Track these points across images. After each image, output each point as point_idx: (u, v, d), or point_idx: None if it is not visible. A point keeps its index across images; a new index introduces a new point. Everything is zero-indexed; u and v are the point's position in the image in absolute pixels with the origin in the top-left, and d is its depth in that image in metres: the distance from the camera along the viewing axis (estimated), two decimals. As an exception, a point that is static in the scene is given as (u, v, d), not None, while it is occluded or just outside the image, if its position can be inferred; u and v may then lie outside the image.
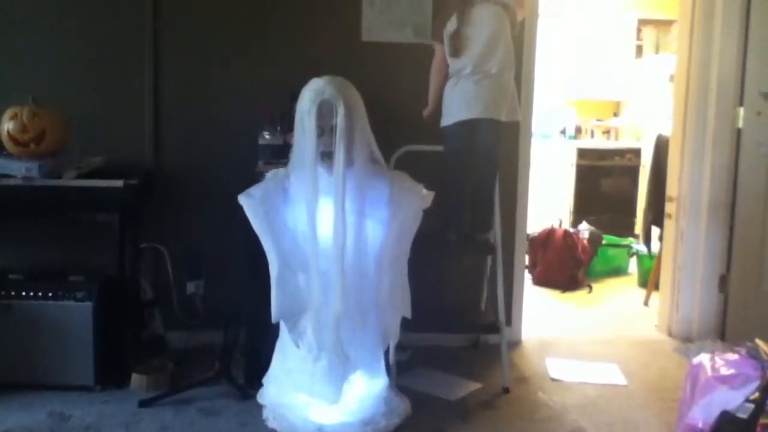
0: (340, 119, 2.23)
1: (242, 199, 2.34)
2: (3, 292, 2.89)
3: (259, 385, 2.70)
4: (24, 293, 2.89)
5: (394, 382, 2.72)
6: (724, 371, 2.32)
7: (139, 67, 3.33)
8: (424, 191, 2.39)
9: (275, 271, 2.32)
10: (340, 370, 2.32)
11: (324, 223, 2.29)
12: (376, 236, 2.36)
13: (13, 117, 2.88)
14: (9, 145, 2.90)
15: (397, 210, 2.33)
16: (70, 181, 2.90)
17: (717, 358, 2.39)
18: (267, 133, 3.10)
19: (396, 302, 2.41)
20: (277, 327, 2.55)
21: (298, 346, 2.36)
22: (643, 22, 6.63)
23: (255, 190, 2.36)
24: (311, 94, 2.30)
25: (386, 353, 2.69)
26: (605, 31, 6.54)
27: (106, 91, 3.34)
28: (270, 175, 2.42)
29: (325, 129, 2.24)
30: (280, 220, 2.35)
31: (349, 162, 2.25)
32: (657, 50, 6.62)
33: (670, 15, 6.00)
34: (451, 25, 3.04)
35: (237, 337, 3.00)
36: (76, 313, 2.88)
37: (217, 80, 3.38)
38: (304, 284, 2.33)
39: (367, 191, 2.28)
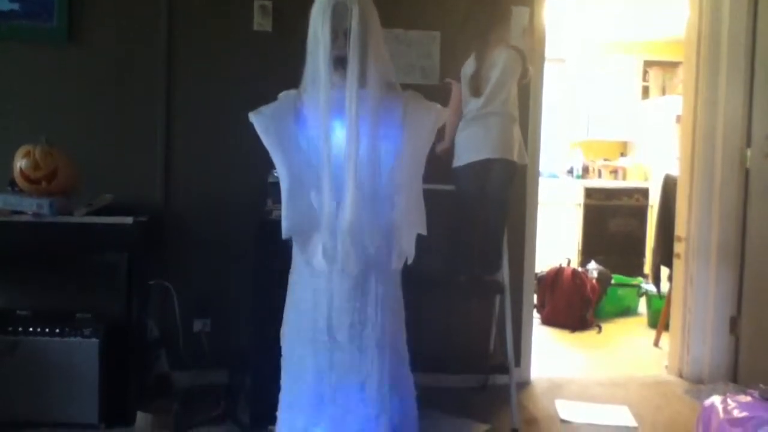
0: (354, 22, 2.19)
1: (252, 117, 2.32)
2: (10, 329, 2.88)
3: (265, 426, 2.66)
4: (31, 330, 2.88)
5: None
6: (737, 414, 2.27)
7: (150, 107, 3.37)
8: (438, 106, 2.37)
9: (286, 185, 2.27)
10: (357, 290, 2.26)
11: (337, 140, 2.27)
12: (389, 156, 2.33)
13: (26, 155, 2.91)
14: (21, 183, 2.93)
15: (410, 129, 2.30)
16: (79, 218, 2.92)
17: (729, 401, 2.35)
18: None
19: (411, 220, 2.36)
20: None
21: (310, 265, 2.30)
22: (649, 64, 6.72)
23: (266, 108, 2.34)
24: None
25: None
26: (612, 73, 6.62)
27: (117, 131, 3.37)
28: (282, 95, 2.40)
29: (339, 32, 2.21)
30: (291, 138, 2.31)
31: (362, 81, 2.22)
32: (663, 91, 6.68)
33: (676, 57, 6.08)
34: (469, 67, 3.11)
35: (243, 378, 2.97)
36: (82, 351, 2.86)
37: (228, 120, 3.39)
38: (316, 202, 2.29)
39: (381, 112, 2.25)
